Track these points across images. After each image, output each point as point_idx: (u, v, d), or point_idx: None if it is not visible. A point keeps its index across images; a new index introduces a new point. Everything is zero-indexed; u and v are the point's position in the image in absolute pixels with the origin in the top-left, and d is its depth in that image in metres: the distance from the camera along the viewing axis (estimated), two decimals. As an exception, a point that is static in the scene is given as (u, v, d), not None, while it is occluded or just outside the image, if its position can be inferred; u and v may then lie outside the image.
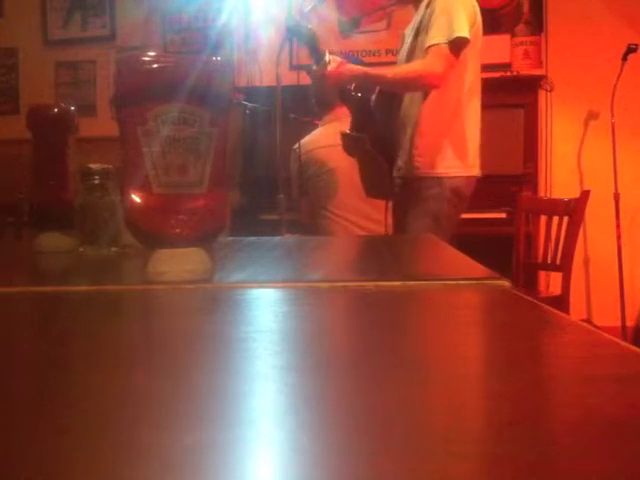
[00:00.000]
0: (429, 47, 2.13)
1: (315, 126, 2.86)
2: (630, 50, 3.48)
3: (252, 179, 3.59)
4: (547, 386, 0.36)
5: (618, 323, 3.50)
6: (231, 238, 1.32)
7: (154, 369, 0.39)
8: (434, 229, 2.15)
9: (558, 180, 3.76)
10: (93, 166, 1.07)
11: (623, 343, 0.42)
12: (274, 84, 2.64)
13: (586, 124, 3.78)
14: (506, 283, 0.68)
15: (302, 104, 2.89)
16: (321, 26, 2.40)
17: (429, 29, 2.15)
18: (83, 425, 0.30)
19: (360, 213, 2.66)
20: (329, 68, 2.20)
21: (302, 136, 2.74)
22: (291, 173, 2.79)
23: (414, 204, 2.26)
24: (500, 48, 3.76)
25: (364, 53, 3.92)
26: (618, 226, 3.52)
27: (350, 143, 2.37)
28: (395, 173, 2.34)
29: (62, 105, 1.18)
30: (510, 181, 3.41)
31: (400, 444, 0.26)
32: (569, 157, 3.79)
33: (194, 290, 0.69)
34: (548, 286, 3.58)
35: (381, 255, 1.19)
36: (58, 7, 4.27)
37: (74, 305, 0.66)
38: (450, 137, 2.24)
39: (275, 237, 2.05)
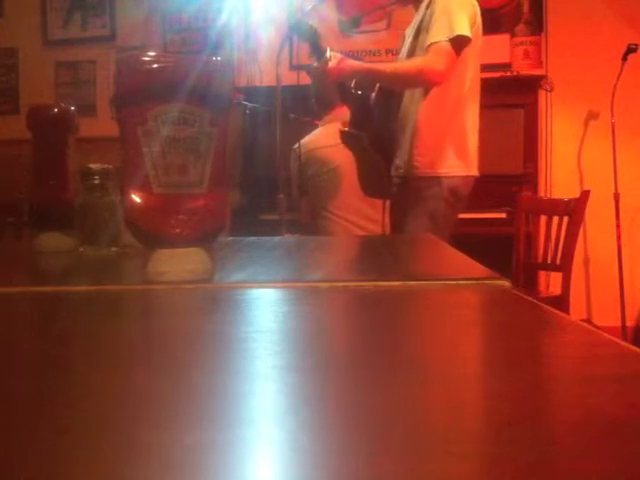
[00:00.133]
0: (430, 45, 2.13)
1: (315, 126, 2.86)
2: (630, 50, 3.48)
3: (252, 179, 3.59)
4: (547, 386, 0.36)
5: (618, 323, 3.50)
6: (231, 238, 1.32)
7: (154, 369, 0.39)
8: (432, 229, 2.15)
9: (558, 180, 3.77)
10: (93, 166, 1.07)
11: (623, 343, 0.42)
12: (274, 84, 2.64)
13: (586, 124, 3.78)
14: (506, 283, 0.68)
15: (302, 104, 2.89)
16: (321, 26, 2.40)
17: (430, 28, 2.16)
18: (83, 425, 0.30)
19: (360, 213, 2.66)
20: (330, 64, 2.21)
21: (302, 136, 2.74)
22: (291, 173, 2.79)
23: (412, 204, 2.26)
24: (500, 48, 3.76)
25: (364, 53, 3.92)
26: (618, 226, 3.52)
27: (349, 141, 2.37)
28: (393, 172, 2.34)
29: (62, 105, 1.18)
30: (510, 181, 3.41)
31: (400, 444, 0.26)
32: (569, 157, 3.79)
33: (194, 290, 0.69)
34: (548, 286, 3.58)
35: (381, 255, 1.19)
36: (58, 7, 4.27)
37: (74, 305, 0.66)
38: (450, 137, 2.24)
39: (275, 237, 2.05)
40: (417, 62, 2.19)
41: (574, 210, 2.93)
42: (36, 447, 0.26)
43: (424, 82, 2.21)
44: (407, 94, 2.31)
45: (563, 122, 3.78)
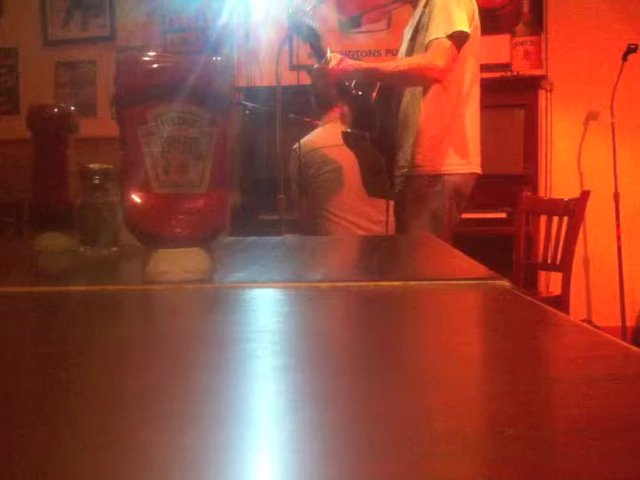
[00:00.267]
0: (430, 42, 2.13)
1: (315, 126, 2.86)
2: (630, 50, 3.48)
3: (252, 179, 3.59)
4: (547, 386, 0.36)
5: (618, 323, 3.50)
6: (231, 238, 1.32)
7: (154, 369, 0.39)
8: (435, 227, 2.16)
9: (558, 180, 3.76)
10: (93, 166, 1.07)
11: (623, 343, 0.42)
12: (274, 84, 2.64)
13: (586, 124, 3.78)
14: (506, 283, 0.68)
15: (302, 104, 2.89)
16: (321, 26, 2.40)
17: (429, 25, 2.16)
18: (83, 425, 0.30)
19: (360, 213, 2.66)
20: (330, 65, 2.21)
21: (302, 136, 2.74)
22: (291, 173, 2.79)
23: (415, 202, 2.26)
24: (500, 48, 3.76)
25: (364, 53, 3.92)
26: (618, 226, 3.52)
27: (350, 142, 2.37)
28: (396, 172, 2.34)
29: (62, 105, 1.18)
30: (510, 181, 3.41)
31: (400, 444, 0.26)
32: (569, 157, 3.79)
33: (194, 290, 0.69)
34: (548, 286, 3.58)
35: (381, 255, 1.19)
36: (58, 7, 4.27)
37: (74, 305, 0.66)
38: (451, 135, 2.24)
39: (275, 237, 2.05)
40: (417, 60, 2.19)
41: (574, 210, 2.93)
42: (35, 447, 0.26)
43: (425, 79, 2.21)
44: (407, 93, 2.31)
45: (563, 122, 3.78)
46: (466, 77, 2.23)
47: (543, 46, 3.80)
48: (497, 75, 3.59)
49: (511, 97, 3.56)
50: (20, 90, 4.31)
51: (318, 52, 2.26)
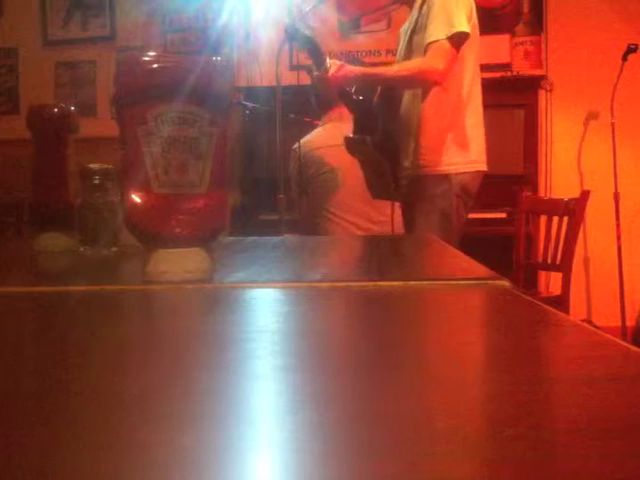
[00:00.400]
0: (429, 44, 2.13)
1: (315, 126, 2.86)
2: (630, 50, 3.48)
3: (252, 179, 3.59)
4: (547, 386, 0.36)
5: (618, 323, 3.50)
6: (231, 238, 1.32)
7: (153, 369, 0.39)
8: (444, 226, 2.16)
9: (558, 180, 3.77)
10: (93, 166, 1.07)
11: (623, 343, 0.42)
12: (274, 84, 2.64)
13: (586, 124, 3.78)
14: (506, 283, 0.68)
15: (302, 104, 2.89)
16: (321, 27, 2.40)
17: (427, 26, 2.15)
18: (83, 425, 0.30)
19: (360, 214, 2.66)
20: (330, 72, 2.21)
21: (302, 136, 2.74)
22: (291, 173, 2.79)
23: (422, 203, 2.26)
24: (500, 48, 3.76)
25: (364, 53, 3.92)
26: (618, 226, 3.52)
27: (353, 146, 2.37)
28: (401, 173, 2.34)
29: (62, 105, 1.18)
30: (510, 181, 3.41)
31: (400, 444, 0.26)
32: (569, 157, 3.79)
33: (194, 290, 0.69)
34: (548, 286, 3.58)
35: (381, 255, 1.19)
36: (58, 7, 4.27)
37: (74, 305, 0.66)
38: (453, 134, 2.24)
39: (275, 237, 2.05)
40: (417, 63, 2.19)
41: (574, 210, 2.93)
42: (35, 447, 0.26)
43: (425, 82, 2.21)
44: (407, 95, 2.31)
45: (563, 122, 3.78)
46: (466, 77, 2.23)
47: (543, 46, 3.80)
48: (497, 75, 3.59)
49: (511, 97, 3.57)
50: (20, 90, 4.31)
51: (317, 59, 2.26)
